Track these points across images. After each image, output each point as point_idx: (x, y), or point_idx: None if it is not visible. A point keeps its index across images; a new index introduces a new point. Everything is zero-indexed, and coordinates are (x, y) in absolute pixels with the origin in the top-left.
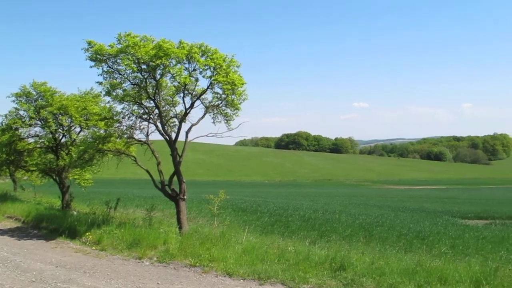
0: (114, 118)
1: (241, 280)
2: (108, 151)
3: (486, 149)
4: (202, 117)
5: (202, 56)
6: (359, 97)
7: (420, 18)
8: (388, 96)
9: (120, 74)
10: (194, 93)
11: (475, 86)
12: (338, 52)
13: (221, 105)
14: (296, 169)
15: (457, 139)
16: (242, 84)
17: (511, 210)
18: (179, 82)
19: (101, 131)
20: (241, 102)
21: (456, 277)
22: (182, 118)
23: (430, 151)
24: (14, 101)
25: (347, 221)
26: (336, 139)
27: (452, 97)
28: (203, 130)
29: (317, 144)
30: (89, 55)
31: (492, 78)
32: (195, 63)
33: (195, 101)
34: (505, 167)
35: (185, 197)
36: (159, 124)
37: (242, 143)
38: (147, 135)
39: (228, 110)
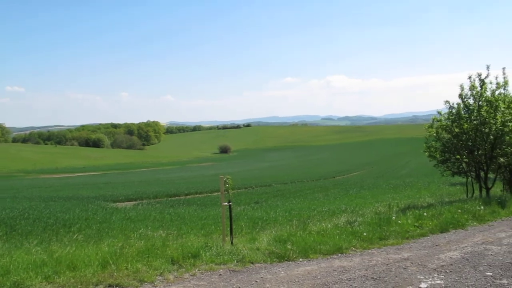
0: None
1: None
2: None
3: (140, 135)
4: None
5: None
6: (13, 81)
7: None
8: (47, 81)
9: None
10: None
11: (131, 76)
12: None
13: None
14: None
15: (115, 126)
16: None
17: (157, 190)
18: None
19: None
20: None
21: (86, 261)
22: None
23: (88, 138)
24: None
25: None
26: None
27: (111, 86)
28: None
29: None
30: None
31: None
32: None
33: None
34: (157, 151)
35: None
36: None
37: None
38: None
39: None
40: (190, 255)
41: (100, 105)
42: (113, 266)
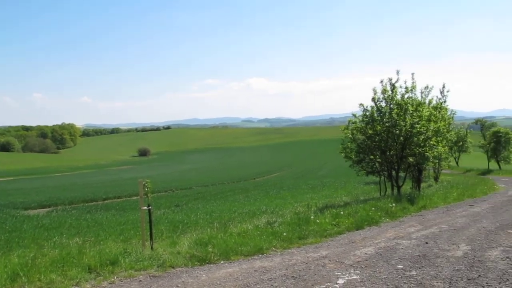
0: None
1: None
2: None
3: (55, 138)
4: None
5: None
6: None
7: None
8: None
9: None
10: None
11: (45, 77)
12: None
13: None
14: None
15: (26, 128)
16: None
17: (73, 195)
18: None
19: None
20: None
21: None
22: None
23: None
24: None
25: None
26: None
27: (22, 86)
28: None
29: None
30: None
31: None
32: None
33: None
34: (73, 154)
35: None
36: None
37: None
38: None
39: None
40: (108, 262)
41: (10, 106)
42: (24, 278)
